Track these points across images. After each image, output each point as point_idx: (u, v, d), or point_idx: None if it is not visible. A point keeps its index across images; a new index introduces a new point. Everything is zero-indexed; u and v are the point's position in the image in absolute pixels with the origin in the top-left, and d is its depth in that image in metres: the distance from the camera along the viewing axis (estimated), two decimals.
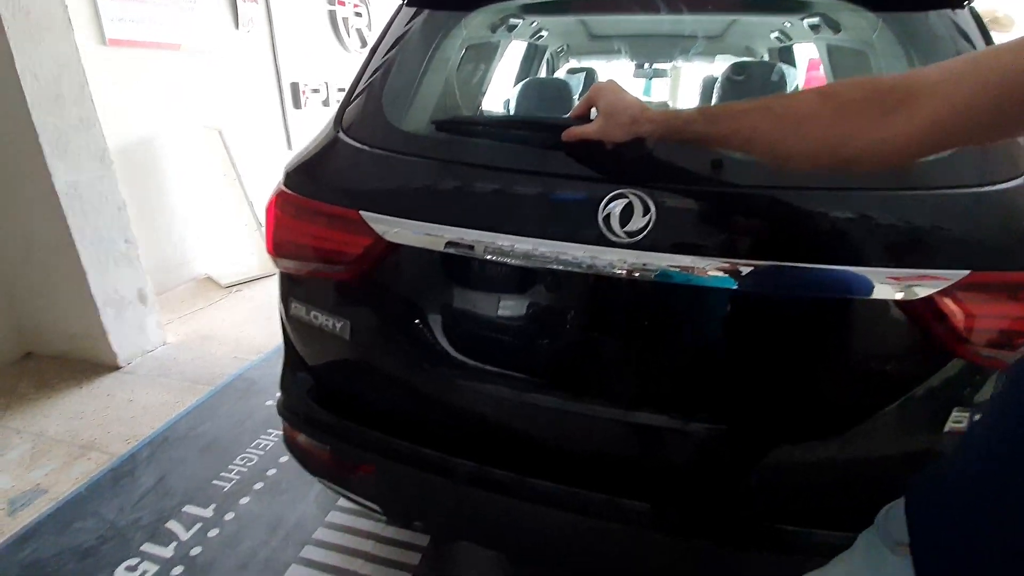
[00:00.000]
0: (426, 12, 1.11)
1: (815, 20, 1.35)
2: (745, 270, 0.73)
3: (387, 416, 1.02)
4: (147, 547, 1.46)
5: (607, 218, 0.76)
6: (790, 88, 1.63)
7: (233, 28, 3.38)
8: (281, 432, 1.56)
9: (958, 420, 0.77)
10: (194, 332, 2.69)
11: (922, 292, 0.71)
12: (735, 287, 0.74)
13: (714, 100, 1.80)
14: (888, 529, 0.52)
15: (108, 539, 1.48)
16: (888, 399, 0.78)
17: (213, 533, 1.50)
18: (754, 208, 0.77)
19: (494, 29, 1.48)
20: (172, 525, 1.52)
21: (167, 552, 1.44)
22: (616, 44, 2.44)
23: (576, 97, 1.69)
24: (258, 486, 1.67)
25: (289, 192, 0.99)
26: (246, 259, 3.39)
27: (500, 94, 1.84)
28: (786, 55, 2.04)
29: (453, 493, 0.98)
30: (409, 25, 1.11)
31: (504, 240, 0.82)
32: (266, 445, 1.85)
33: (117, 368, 2.33)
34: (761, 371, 0.83)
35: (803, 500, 0.86)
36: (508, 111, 1.73)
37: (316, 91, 4.10)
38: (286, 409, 1.12)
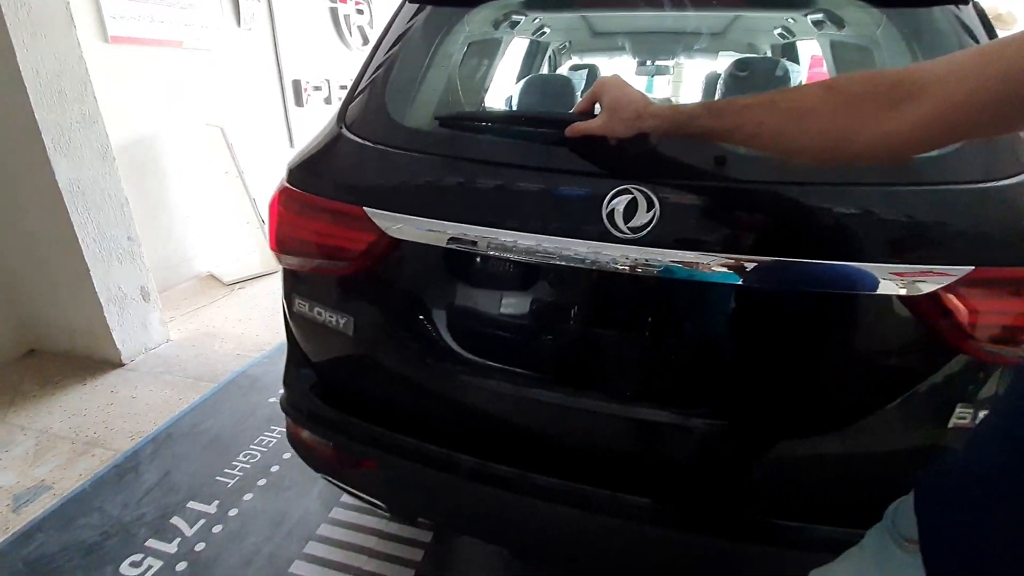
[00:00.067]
0: (428, 9, 1.11)
1: (819, 16, 1.34)
2: (749, 266, 0.73)
3: (390, 412, 1.02)
4: (151, 543, 1.46)
5: (611, 214, 0.76)
6: (793, 84, 1.63)
7: (235, 25, 3.38)
8: (284, 429, 1.56)
9: (962, 416, 0.77)
10: (197, 329, 2.70)
11: (927, 288, 0.71)
12: (740, 283, 0.74)
13: (717, 96, 1.79)
14: (897, 525, 0.52)
15: (112, 535, 1.49)
16: (893, 395, 0.77)
17: (217, 529, 1.51)
18: (759, 204, 0.77)
19: (496, 25, 1.48)
20: (176, 521, 1.53)
21: (171, 548, 1.45)
22: (618, 41, 2.43)
23: (579, 94, 1.69)
24: (262, 482, 1.67)
25: (292, 188, 0.99)
26: (248, 256, 3.40)
27: (503, 91, 1.84)
28: (789, 52, 2.03)
29: (456, 489, 0.98)
30: (412, 22, 1.11)
31: (507, 236, 0.82)
32: (269, 442, 1.86)
33: (120, 365, 2.33)
34: (766, 367, 0.83)
35: (808, 496, 0.86)
36: (511, 108, 1.73)
37: (318, 88, 4.10)
38: (289, 405, 1.12)
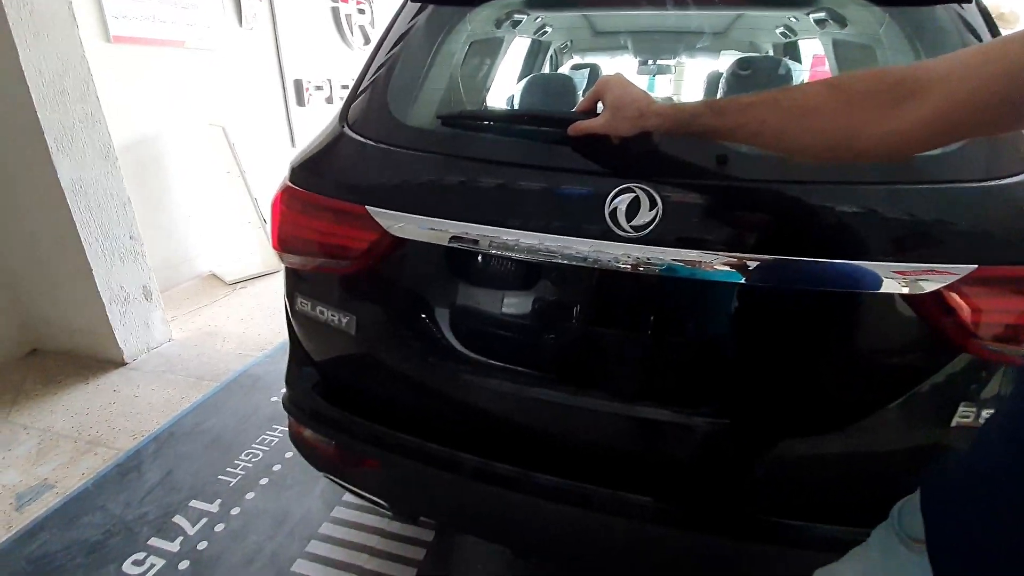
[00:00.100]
0: (430, 8, 1.11)
1: (821, 15, 1.34)
2: (752, 264, 0.73)
3: (392, 411, 1.02)
4: (154, 541, 1.47)
5: (613, 212, 0.76)
6: (795, 84, 1.62)
7: (237, 25, 3.39)
8: (286, 428, 1.56)
9: (966, 415, 0.77)
10: (199, 329, 2.70)
11: (930, 286, 0.71)
12: (743, 281, 0.74)
13: (719, 96, 1.79)
14: (903, 524, 0.52)
15: (115, 533, 1.49)
16: (895, 394, 0.77)
17: (219, 528, 1.51)
18: (762, 202, 0.77)
19: (498, 25, 1.48)
20: (178, 520, 1.53)
21: (174, 546, 1.45)
22: (620, 40, 2.43)
23: (580, 93, 1.69)
24: (263, 481, 1.68)
25: (295, 187, 0.99)
26: (250, 256, 3.40)
27: (504, 90, 1.84)
28: (791, 51, 2.03)
29: (458, 488, 0.98)
30: (414, 21, 1.11)
31: (509, 235, 0.82)
32: (271, 441, 1.86)
33: (123, 364, 2.34)
34: (768, 366, 0.83)
35: (810, 495, 0.86)
36: (512, 107, 1.73)
37: (319, 88, 4.11)
38: (292, 404, 1.12)
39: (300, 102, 3.94)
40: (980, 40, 0.86)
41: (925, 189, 0.74)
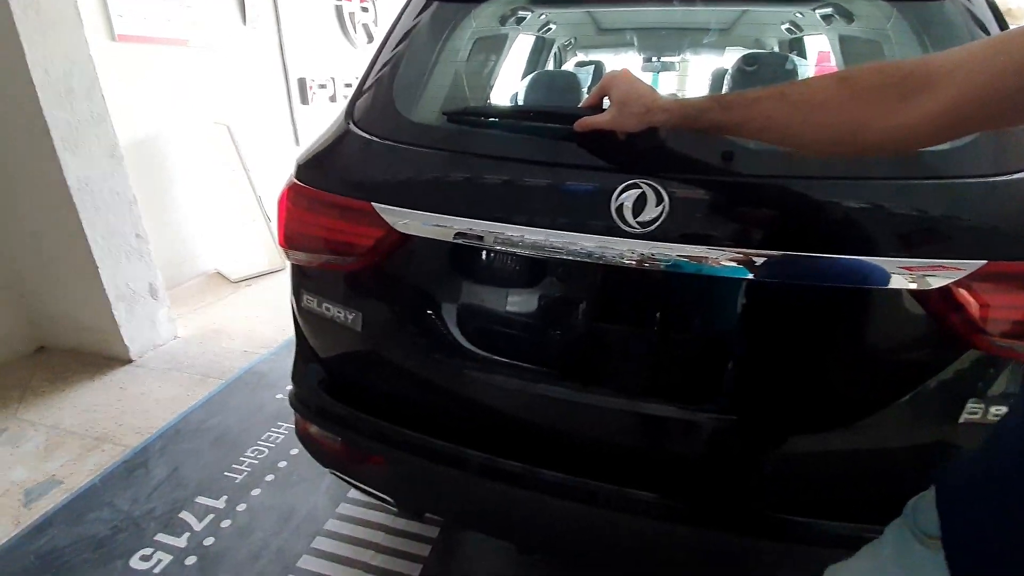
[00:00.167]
0: (436, 4, 1.11)
1: (827, 10, 1.33)
2: (759, 260, 0.73)
3: (398, 407, 1.02)
4: (161, 537, 1.47)
5: (620, 208, 0.76)
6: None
7: (241, 23, 3.39)
8: (291, 425, 1.56)
9: (974, 411, 0.76)
10: (204, 326, 2.71)
11: (938, 282, 0.70)
12: (750, 277, 0.74)
13: (724, 92, 1.78)
14: (917, 521, 0.51)
15: (122, 529, 1.50)
16: (903, 390, 0.77)
17: (226, 524, 1.52)
18: (769, 198, 0.76)
19: (503, 21, 1.48)
20: (185, 516, 1.54)
21: (181, 542, 1.46)
22: (624, 37, 2.42)
23: (584, 90, 1.68)
24: (269, 478, 1.68)
25: (301, 184, 0.99)
26: (255, 254, 3.41)
27: (508, 87, 1.83)
28: (797, 47, 2.01)
29: (464, 484, 0.98)
30: (419, 17, 1.11)
31: (514, 231, 0.82)
32: (276, 438, 1.87)
33: (129, 362, 2.35)
34: (775, 362, 0.83)
35: (817, 492, 0.86)
36: (517, 104, 1.73)
37: (323, 87, 4.11)
38: (298, 401, 1.13)
39: (304, 100, 3.94)
40: (988, 35, 0.86)
41: (933, 184, 0.74)
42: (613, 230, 0.77)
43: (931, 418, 0.80)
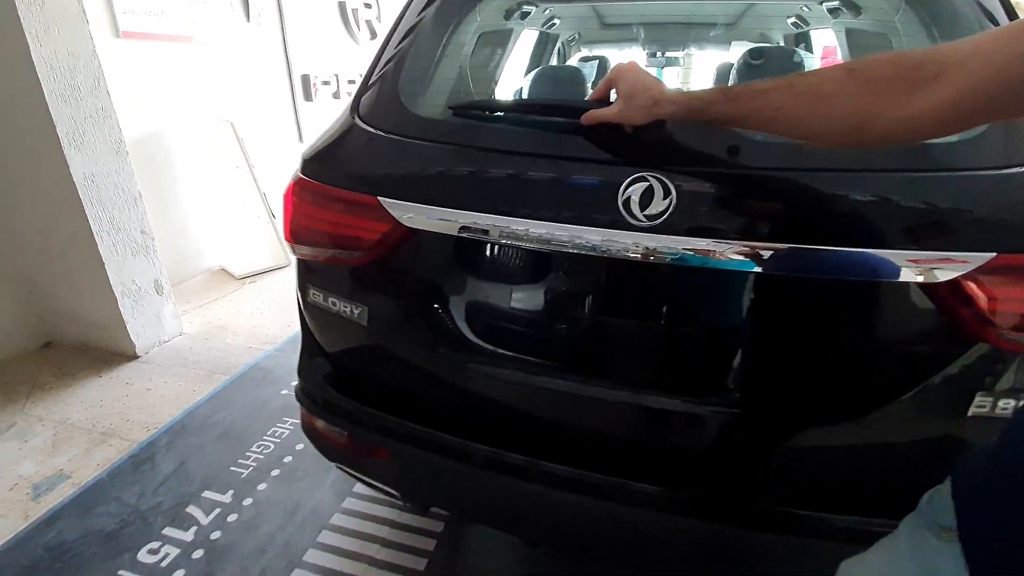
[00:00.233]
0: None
1: (834, 3, 1.32)
2: (767, 253, 0.73)
3: (404, 401, 1.02)
4: (168, 531, 1.49)
5: (627, 201, 0.76)
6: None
7: (244, 20, 3.39)
8: (296, 420, 1.56)
9: (982, 405, 0.76)
10: (209, 322, 2.72)
11: (947, 275, 0.70)
12: (758, 271, 0.74)
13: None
14: (932, 514, 0.51)
15: (130, 523, 1.51)
16: (911, 384, 0.77)
17: (232, 518, 1.53)
18: (777, 190, 0.76)
19: (507, 16, 1.47)
20: (192, 510, 1.55)
21: (187, 536, 1.47)
22: (628, 32, 2.41)
23: (589, 85, 1.68)
24: (275, 473, 1.69)
25: (307, 179, 0.99)
26: (259, 250, 3.42)
27: (513, 83, 1.83)
28: (803, 41, 2.00)
29: (470, 477, 0.99)
30: (424, 12, 1.10)
31: (520, 224, 0.82)
32: (282, 433, 1.87)
33: (135, 357, 2.36)
34: (783, 355, 0.83)
35: (825, 485, 0.86)
36: (521, 99, 1.72)
37: (326, 83, 4.11)
38: (304, 395, 1.13)
39: (307, 97, 3.94)
40: (998, 26, 0.85)
41: (943, 177, 0.73)
42: (620, 223, 0.77)
43: (939, 412, 0.79)
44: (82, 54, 2.05)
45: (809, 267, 0.74)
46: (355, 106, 1.03)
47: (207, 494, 1.61)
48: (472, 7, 1.18)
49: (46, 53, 1.93)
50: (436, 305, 0.95)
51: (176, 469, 1.71)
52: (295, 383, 1.17)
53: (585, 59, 2.57)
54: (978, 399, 0.76)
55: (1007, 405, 0.76)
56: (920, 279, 0.71)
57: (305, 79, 3.91)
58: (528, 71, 1.97)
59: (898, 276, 0.71)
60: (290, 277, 3.26)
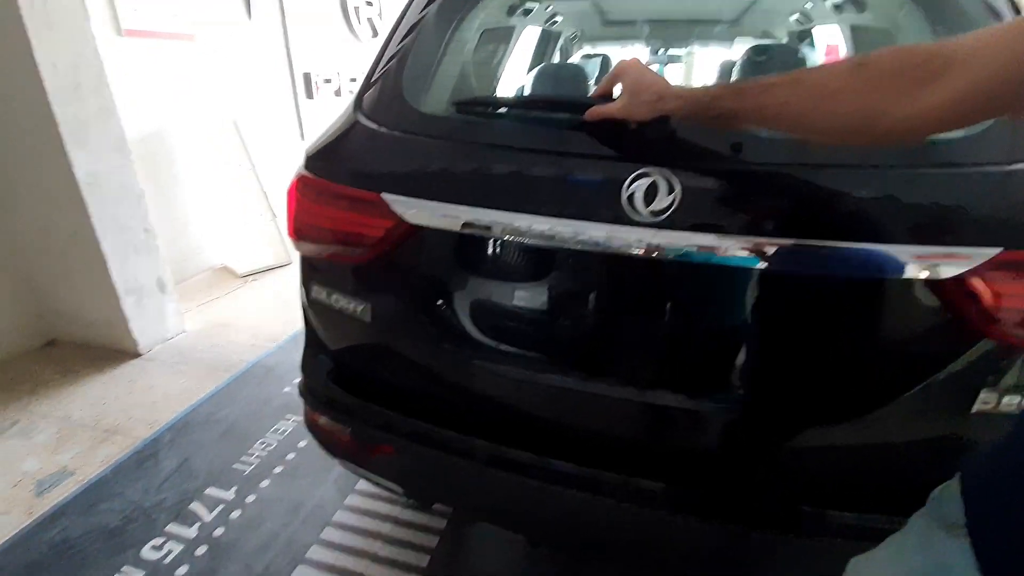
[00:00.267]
0: None
1: None
2: (773, 249, 0.73)
3: (408, 397, 1.02)
4: (172, 527, 1.49)
5: (631, 198, 0.76)
6: None
7: (246, 18, 3.39)
8: (299, 417, 1.56)
9: (986, 402, 0.76)
10: (212, 320, 2.73)
11: (952, 271, 0.70)
12: (763, 267, 0.74)
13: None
14: (941, 510, 0.51)
15: (134, 519, 1.52)
16: (915, 380, 0.77)
17: (235, 515, 1.53)
18: (783, 186, 0.76)
19: (510, 13, 1.47)
20: (195, 507, 1.56)
21: (191, 532, 1.47)
22: (630, 29, 2.41)
23: (592, 82, 1.68)
24: (278, 470, 1.70)
25: (310, 176, 0.99)
26: (261, 249, 3.42)
27: (515, 80, 1.83)
28: (806, 39, 2.00)
29: (473, 474, 0.99)
30: (427, 8, 1.10)
31: (525, 220, 0.82)
32: (285, 430, 1.88)
33: (138, 355, 2.37)
34: (787, 352, 0.83)
35: (829, 483, 0.85)
36: (525, 95, 1.72)
37: (328, 81, 4.11)
38: (307, 392, 1.13)
39: (309, 95, 3.94)
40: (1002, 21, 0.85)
41: (948, 173, 0.73)
42: (624, 219, 0.76)
43: (943, 408, 0.79)
44: (84, 52, 2.04)
45: (814, 263, 0.74)
46: (358, 103, 1.03)
47: (210, 491, 1.61)
48: (475, 3, 1.18)
49: (48, 52, 1.93)
50: (439, 301, 0.95)
51: (179, 466, 1.72)
52: (297, 381, 1.17)
53: (587, 57, 2.57)
54: (982, 396, 0.76)
55: (1011, 402, 0.76)
56: (925, 275, 0.71)
57: (307, 77, 3.91)
58: (530, 69, 1.97)
59: (903, 272, 0.71)
60: (292, 275, 3.26)
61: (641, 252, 0.77)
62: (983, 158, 0.73)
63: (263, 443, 1.82)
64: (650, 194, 0.75)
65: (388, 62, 1.05)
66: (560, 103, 0.91)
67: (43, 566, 1.39)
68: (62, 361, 2.34)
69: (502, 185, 0.86)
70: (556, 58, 2.26)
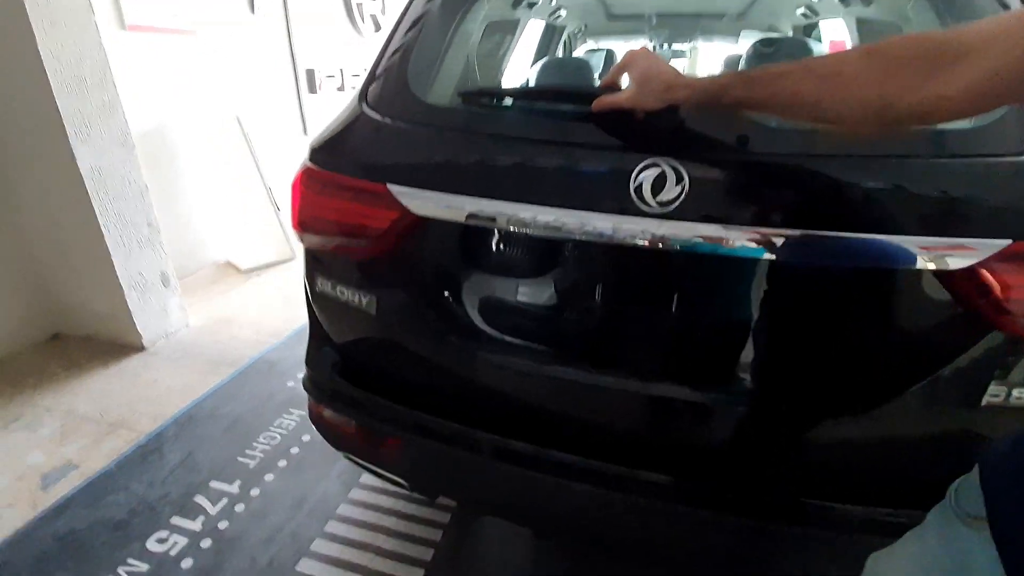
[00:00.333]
0: None
1: None
2: (781, 240, 0.72)
3: (413, 390, 1.02)
4: (176, 520, 1.49)
5: (639, 188, 0.75)
6: None
7: (249, 13, 3.38)
8: (302, 412, 1.56)
9: (996, 394, 0.75)
10: (215, 315, 2.73)
11: (961, 262, 0.69)
12: (771, 258, 0.73)
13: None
14: (960, 503, 0.51)
15: (138, 512, 1.52)
16: (925, 372, 0.76)
17: (240, 508, 1.53)
18: (791, 177, 0.75)
19: (515, 5, 1.47)
20: (200, 500, 1.56)
21: (195, 525, 1.48)
22: (635, 23, 2.40)
23: (596, 77, 1.67)
24: (282, 463, 1.70)
25: (315, 168, 0.99)
26: (265, 244, 3.42)
27: (520, 74, 1.82)
28: (812, 32, 1.99)
29: (479, 467, 0.98)
30: (432, 1, 1.10)
31: (531, 211, 0.81)
32: (288, 424, 1.88)
33: (142, 349, 2.37)
34: (795, 343, 0.82)
35: (838, 475, 0.85)
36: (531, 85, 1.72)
37: (331, 77, 4.10)
38: (312, 385, 1.13)
39: (312, 90, 3.94)
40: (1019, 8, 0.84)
41: (958, 163, 0.73)
42: (631, 210, 0.76)
43: (952, 401, 0.79)
44: (88, 47, 2.04)
45: (822, 254, 0.74)
46: (363, 94, 1.02)
47: (215, 484, 1.62)
48: None
49: (52, 46, 1.93)
50: (445, 293, 0.95)
51: (184, 459, 1.72)
52: (301, 375, 1.17)
53: (591, 51, 2.56)
54: (992, 389, 0.75)
55: (1021, 395, 0.75)
56: (934, 266, 0.70)
57: (310, 72, 3.90)
58: (534, 63, 1.96)
59: (912, 264, 0.71)
60: (295, 271, 3.26)
61: (648, 243, 0.76)
62: (992, 149, 0.73)
63: (267, 437, 1.82)
64: (658, 184, 0.74)
65: (393, 54, 1.05)
66: (567, 93, 0.91)
67: (49, 559, 1.39)
68: (66, 355, 2.35)
69: (508, 176, 0.86)
70: (560, 53, 2.25)
